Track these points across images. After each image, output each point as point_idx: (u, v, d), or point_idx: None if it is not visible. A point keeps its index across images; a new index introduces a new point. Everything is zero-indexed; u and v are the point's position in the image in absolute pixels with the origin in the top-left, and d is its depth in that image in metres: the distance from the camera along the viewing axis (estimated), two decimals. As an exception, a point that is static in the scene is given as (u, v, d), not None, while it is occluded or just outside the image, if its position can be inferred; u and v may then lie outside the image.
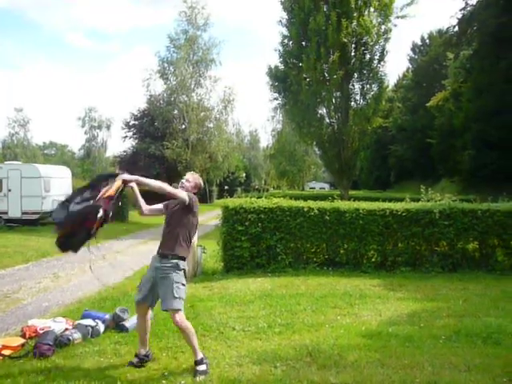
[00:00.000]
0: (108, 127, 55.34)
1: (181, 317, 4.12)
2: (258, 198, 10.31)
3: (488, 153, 19.73)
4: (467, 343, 4.95)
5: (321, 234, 9.27)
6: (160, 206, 4.59)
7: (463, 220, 9.10)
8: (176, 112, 28.32)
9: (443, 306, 6.57)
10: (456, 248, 9.34)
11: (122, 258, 11.66)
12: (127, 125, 33.75)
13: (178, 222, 4.35)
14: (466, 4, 26.38)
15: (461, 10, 26.76)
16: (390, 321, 5.80)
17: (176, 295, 4.10)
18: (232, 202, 9.67)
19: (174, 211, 4.38)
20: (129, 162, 30.31)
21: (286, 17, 24.17)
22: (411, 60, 50.75)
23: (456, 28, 28.30)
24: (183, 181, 4.51)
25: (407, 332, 5.28)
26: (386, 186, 45.75)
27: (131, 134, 33.67)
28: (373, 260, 9.51)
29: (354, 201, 10.13)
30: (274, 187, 56.26)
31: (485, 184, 20.40)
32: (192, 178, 4.58)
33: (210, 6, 74.46)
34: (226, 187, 41.95)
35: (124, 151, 34.21)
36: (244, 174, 53.08)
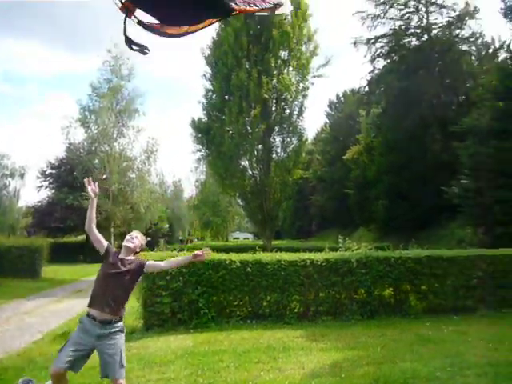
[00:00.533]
0: (21, 176, 52.25)
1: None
2: (179, 250, 10.13)
3: (399, 203, 21.15)
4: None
5: (243, 287, 9.20)
6: (105, 242, 4.17)
7: (378, 268, 9.52)
8: (97, 161, 27.55)
9: (363, 354, 6.70)
10: (373, 295, 9.68)
11: (30, 320, 10.71)
12: (43, 174, 32.26)
13: (132, 283, 4.06)
14: (374, 68, 29.02)
15: (369, 73, 29.37)
16: (312, 373, 5.80)
17: (124, 364, 3.83)
18: (151, 256, 9.39)
19: (131, 270, 4.02)
20: (44, 213, 28.70)
21: (210, 71, 24.95)
22: (328, 115, 53.94)
23: (366, 88, 30.85)
24: (133, 236, 4.25)
25: (330, 384, 5.32)
26: (308, 234, 47.04)
27: (47, 183, 32.15)
28: (295, 311, 9.55)
29: (276, 251, 10.26)
30: (198, 238, 55.60)
31: (398, 232, 21.68)
32: (141, 237, 4.34)
33: (136, 56, 75.08)
34: (148, 239, 40.70)
35: (39, 201, 32.43)
36: (167, 225, 52.06)
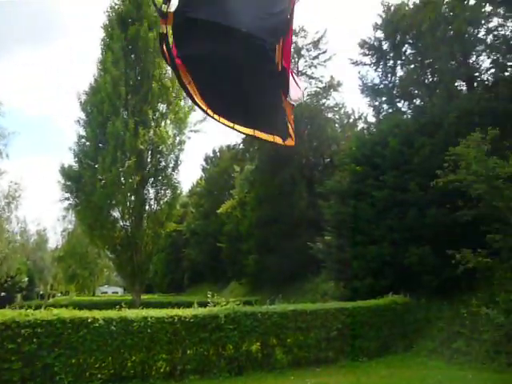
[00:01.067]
0: None
1: None
2: (36, 308, 9.15)
3: (268, 257, 21.90)
4: None
5: (106, 347, 8.54)
6: None
7: (246, 323, 9.60)
8: None
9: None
10: (241, 350, 9.68)
11: None
12: None
13: None
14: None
15: (244, 131, 30.74)
16: None
17: None
18: (2, 314, 8.33)
19: None
20: None
21: (85, 117, 23.99)
22: (204, 169, 54.79)
23: (241, 145, 32.22)
24: None
25: None
26: (180, 288, 45.96)
27: None
28: (161, 370, 9.12)
29: (145, 306, 9.82)
30: (61, 293, 50.94)
31: (268, 285, 22.31)
32: None
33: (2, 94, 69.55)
34: (2, 294, 36.28)
35: None
36: (26, 279, 47.03)
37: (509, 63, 15.51)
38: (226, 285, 31.48)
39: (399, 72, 21.94)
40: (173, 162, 24.58)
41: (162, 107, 24.19)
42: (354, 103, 79.74)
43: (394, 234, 12.63)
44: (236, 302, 10.09)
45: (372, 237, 13.12)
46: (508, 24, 15.56)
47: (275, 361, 9.83)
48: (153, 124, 23.36)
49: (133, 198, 23.62)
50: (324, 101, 29.49)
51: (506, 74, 15.54)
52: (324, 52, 29.40)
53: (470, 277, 11.04)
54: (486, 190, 10.28)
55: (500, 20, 15.66)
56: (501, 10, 15.22)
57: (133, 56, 23.59)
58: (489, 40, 16.18)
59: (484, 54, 16.54)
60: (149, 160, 23.98)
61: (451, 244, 11.10)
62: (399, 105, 21.44)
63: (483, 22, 16.13)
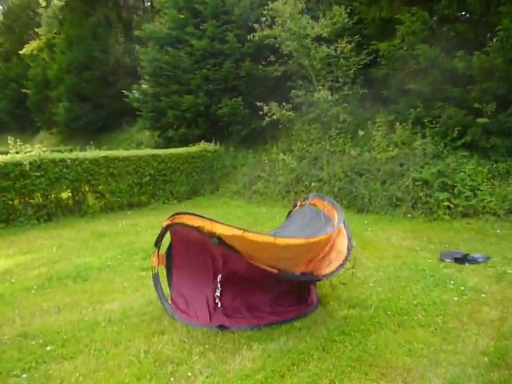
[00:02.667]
0: None
1: None
2: None
3: (80, 105, 20.43)
4: (59, 286, 5.18)
5: None
6: None
7: (54, 170, 9.21)
8: None
9: (37, 256, 6.58)
10: (50, 198, 9.42)
11: None
12: None
13: None
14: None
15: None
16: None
17: None
18: None
19: None
20: None
21: None
22: (2, 1, 45.75)
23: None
24: None
25: (-3, 291, 5.04)
26: (-21, 139, 40.94)
27: None
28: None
29: None
30: None
31: (81, 135, 21.19)
32: None
33: None
34: None
35: None
36: None
37: None
38: (34, 135, 28.89)
39: None
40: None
41: None
42: None
43: (209, 84, 12.82)
44: (43, 148, 9.45)
45: (188, 87, 13.12)
46: None
47: (87, 207, 9.87)
48: None
49: None
50: None
51: None
52: None
53: (273, 128, 12.15)
54: (296, 48, 10.90)
55: None
56: None
57: None
58: None
59: None
60: None
61: (260, 97, 11.84)
62: None
63: None
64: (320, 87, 10.81)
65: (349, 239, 4.19)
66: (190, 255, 4.15)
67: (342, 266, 3.90)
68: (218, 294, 3.99)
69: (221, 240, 3.47)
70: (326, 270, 3.93)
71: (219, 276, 3.99)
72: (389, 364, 3.16)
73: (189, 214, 3.72)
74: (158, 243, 4.18)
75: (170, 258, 4.32)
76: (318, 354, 3.33)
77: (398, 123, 9.45)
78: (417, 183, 8.18)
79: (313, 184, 10.03)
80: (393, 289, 4.59)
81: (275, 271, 3.64)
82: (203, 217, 3.55)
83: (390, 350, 3.34)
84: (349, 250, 4.08)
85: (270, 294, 4.12)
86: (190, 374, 3.13)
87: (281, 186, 10.72)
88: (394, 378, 3.00)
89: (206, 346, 3.51)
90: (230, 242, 3.49)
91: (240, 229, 3.31)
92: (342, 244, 4.15)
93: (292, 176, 10.65)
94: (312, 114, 11.07)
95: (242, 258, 3.61)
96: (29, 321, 4.18)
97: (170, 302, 4.23)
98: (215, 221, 3.47)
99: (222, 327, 3.80)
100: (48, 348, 3.58)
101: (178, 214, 3.88)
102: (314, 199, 5.04)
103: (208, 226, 3.49)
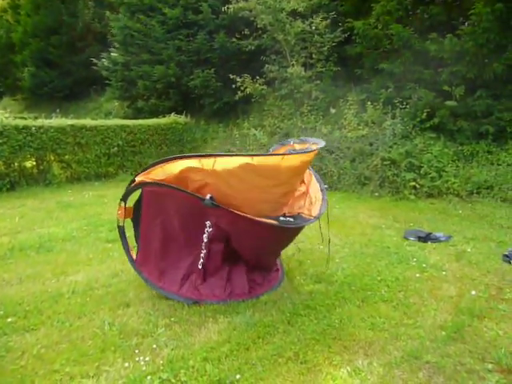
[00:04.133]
0: None
1: None
2: None
3: (47, 71, 19.64)
4: (21, 257, 5.06)
5: None
6: None
7: (18, 137, 8.89)
8: None
9: (-2, 226, 6.41)
10: (13, 167, 9.12)
11: None
12: None
13: None
14: None
15: None
16: None
17: None
18: None
19: None
20: None
21: None
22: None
23: None
24: None
25: (-46, 262, 4.89)
26: None
27: None
28: None
29: None
30: None
31: (47, 103, 20.43)
32: None
33: None
34: None
35: None
36: None
37: None
38: (-3, 101, 27.81)
39: None
40: None
41: None
42: None
43: (181, 55, 12.52)
44: (5, 114, 9.09)
45: (160, 57, 12.78)
46: None
47: (52, 176, 9.61)
48: None
49: None
50: None
51: None
52: None
53: (245, 103, 12.05)
54: (271, 22, 10.74)
55: None
56: None
57: None
58: None
59: None
60: None
61: (234, 70, 11.67)
62: None
63: None
64: (294, 63, 10.74)
65: (318, 181, 4.21)
66: (166, 213, 3.81)
67: (324, 203, 3.95)
68: (201, 260, 3.80)
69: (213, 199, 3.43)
70: (315, 212, 3.93)
71: (204, 240, 3.72)
72: (352, 337, 3.24)
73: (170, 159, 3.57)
74: (124, 198, 3.84)
75: (138, 212, 3.95)
76: (283, 328, 3.38)
77: (369, 102, 9.51)
78: (385, 163, 8.31)
79: (283, 160, 10.04)
80: (358, 265, 4.69)
81: (275, 223, 3.59)
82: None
83: (354, 324, 3.42)
84: (322, 190, 4.13)
85: (245, 268, 4.07)
86: (155, 346, 3.13)
87: (251, 160, 10.69)
88: (356, 351, 3.08)
89: (172, 319, 3.52)
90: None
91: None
92: (315, 185, 4.17)
93: (262, 151, 10.63)
94: (285, 89, 11.01)
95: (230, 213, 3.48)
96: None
97: (134, 257, 4.02)
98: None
99: (194, 301, 3.79)
100: (9, 320, 3.51)
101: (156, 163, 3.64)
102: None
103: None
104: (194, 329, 3.38)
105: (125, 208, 3.89)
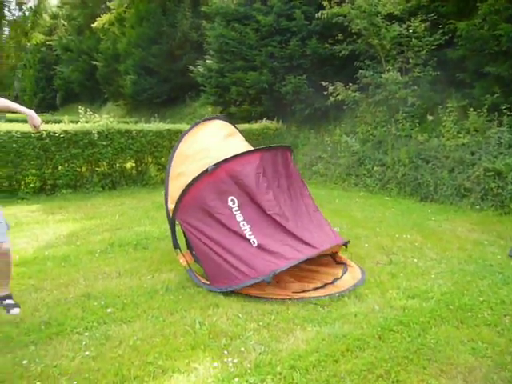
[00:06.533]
0: None
1: None
2: None
3: (147, 78, 20.94)
4: (120, 252, 5.36)
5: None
6: None
7: (120, 140, 9.53)
8: None
9: (101, 222, 6.86)
10: (115, 167, 9.78)
11: None
12: None
13: None
14: None
15: None
16: (47, 244, 5.68)
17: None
18: None
19: None
20: None
21: None
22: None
23: None
24: None
25: (64, 252, 5.29)
26: (52, 108, 42.93)
27: None
28: (31, 185, 8.98)
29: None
30: None
31: (146, 108, 21.77)
32: None
33: None
34: None
35: None
36: None
37: None
38: (102, 106, 30.06)
39: None
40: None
41: None
42: None
43: (274, 61, 12.67)
44: (110, 119, 9.80)
45: (253, 63, 13.05)
46: None
47: (149, 177, 10.17)
48: None
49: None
50: None
51: None
52: None
53: (337, 109, 11.87)
54: (366, 27, 10.49)
55: None
56: None
57: None
58: None
59: None
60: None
61: (326, 76, 11.56)
62: None
63: None
64: (389, 68, 10.38)
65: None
66: (201, 223, 4.19)
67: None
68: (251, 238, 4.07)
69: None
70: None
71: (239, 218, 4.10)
72: (449, 361, 3.00)
73: None
74: (175, 244, 4.49)
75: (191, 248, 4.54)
76: (374, 343, 3.23)
77: (471, 109, 8.90)
78: (488, 173, 7.71)
79: (375, 168, 9.73)
80: (456, 282, 4.36)
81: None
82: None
83: (452, 347, 3.17)
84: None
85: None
86: (243, 349, 3.13)
87: (342, 168, 10.50)
88: (454, 376, 2.85)
89: (260, 323, 3.51)
90: None
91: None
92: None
93: (354, 159, 10.39)
94: (379, 95, 10.66)
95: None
96: (92, 282, 4.36)
97: (207, 282, 4.23)
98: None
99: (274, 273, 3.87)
100: (109, 310, 3.71)
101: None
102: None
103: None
104: (282, 335, 3.34)
105: (183, 254, 4.38)
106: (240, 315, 3.65)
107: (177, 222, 4.39)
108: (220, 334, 3.35)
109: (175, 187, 4.40)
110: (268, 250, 3.98)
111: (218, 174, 4.12)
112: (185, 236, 4.54)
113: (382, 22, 10.29)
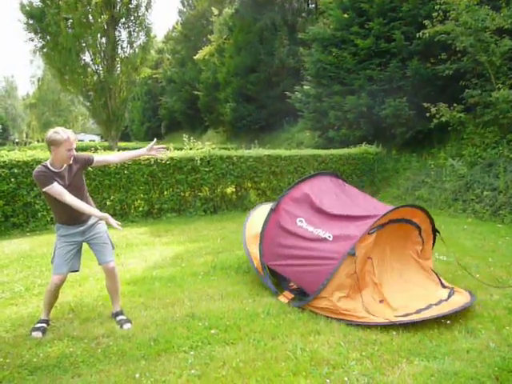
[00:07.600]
0: None
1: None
2: (9, 150, 9.17)
3: (245, 106, 21.73)
4: (222, 275, 5.50)
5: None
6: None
7: (221, 166, 9.92)
8: None
9: (204, 245, 7.12)
10: (216, 192, 10.16)
11: None
12: None
13: (82, 181, 4.02)
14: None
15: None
16: (154, 265, 6.01)
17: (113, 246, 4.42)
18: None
19: (77, 172, 3.92)
20: None
21: None
22: (180, 13, 50.87)
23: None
24: None
25: (170, 273, 5.55)
26: (158, 137, 45.69)
27: None
28: (140, 209, 9.62)
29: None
30: (37, 140, 50.61)
31: (245, 134, 22.54)
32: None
33: None
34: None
35: None
36: (-1, 126, 46.28)
37: None
38: (203, 133, 31.71)
39: None
40: (145, 1, 22.76)
41: None
42: None
43: (373, 84, 12.48)
44: (212, 146, 10.26)
45: (351, 87, 12.97)
46: None
47: (249, 202, 10.41)
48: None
49: (103, 40, 22.24)
50: None
51: None
52: None
53: (441, 131, 11.33)
54: (472, 43, 9.98)
55: None
56: None
57: None
58: None
59: None
60: (118, -3, 22.05)
61: (428, 97, 11.12)
62: None
63: None
64: (499, 85, 9.71)
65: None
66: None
67: None
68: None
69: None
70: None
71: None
72: None
73: None
74: (274, 292, 4.75)
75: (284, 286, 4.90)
76: None
77: None
78: None
79: (485, 193, 9.06)
80: None
81: None
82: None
83: None
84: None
85: None
86: (346, 378, 3.04)
87: (447, 193, 9.92)
88: None
89: (363, 353, 3.38)
90: None
91: None
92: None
93: (461, 183, 9.78)
94: (488, 115, 10.00)
95: None
96: (196, 303, 4.50)
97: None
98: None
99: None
100: (212, 331, 3.81)
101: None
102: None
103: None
104: (387, 367, 3.18)
105: (283, 295, 4.64)
106: (342, 343, 3.55)
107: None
108: (322, 361, 3.27)
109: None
110: (343, 235, 4.23)
111: (280, 207, 4.90)
112: (275, 276, 4.95)
113: (491, 37, 9.72)
